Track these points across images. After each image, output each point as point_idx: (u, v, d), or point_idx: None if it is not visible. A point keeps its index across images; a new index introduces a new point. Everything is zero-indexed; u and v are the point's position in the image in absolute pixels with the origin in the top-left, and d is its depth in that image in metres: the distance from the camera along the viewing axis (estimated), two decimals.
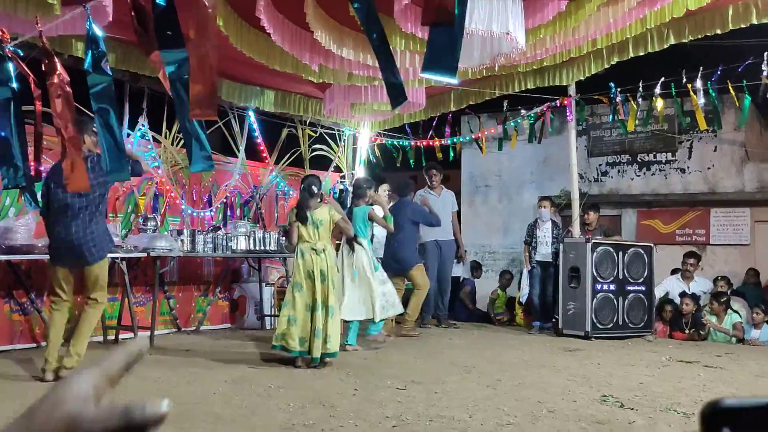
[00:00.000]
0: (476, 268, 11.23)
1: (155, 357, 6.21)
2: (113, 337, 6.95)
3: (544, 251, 8.85)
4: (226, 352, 6.55)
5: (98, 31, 3.97)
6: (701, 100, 8.06)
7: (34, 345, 6.48)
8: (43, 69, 4.22)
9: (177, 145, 7.93)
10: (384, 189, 10.29)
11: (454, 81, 5.45)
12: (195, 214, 8.18)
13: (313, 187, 6.01)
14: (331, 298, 5.78)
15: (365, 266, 6.65)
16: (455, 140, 10.40)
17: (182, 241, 7.24)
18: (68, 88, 4.16)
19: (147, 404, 0.60)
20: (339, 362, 5.99)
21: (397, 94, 4.48)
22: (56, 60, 4.19)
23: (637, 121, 9.11)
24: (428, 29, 4.42)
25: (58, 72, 4.14)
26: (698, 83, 8.00)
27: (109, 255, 6.46)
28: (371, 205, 7.03)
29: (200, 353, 6.45)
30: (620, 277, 8.24)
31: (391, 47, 6.53)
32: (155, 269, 6.86)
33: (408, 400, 4.62)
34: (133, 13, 4.03)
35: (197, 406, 4.37)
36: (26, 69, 4.72)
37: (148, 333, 6.73)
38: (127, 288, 6.64)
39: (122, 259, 6.54)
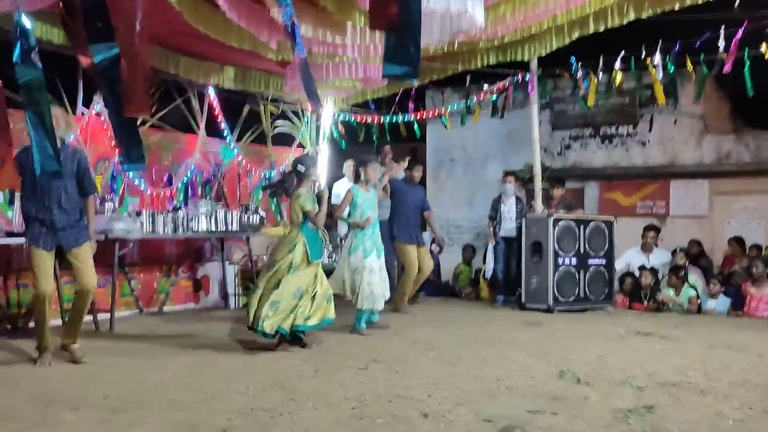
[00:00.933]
0: None
1: (115, 342, 6.15)
2: None
3: (508, 226, 8.91)
4: (189, 335, 6.51)
5: (27, 23, 3.83)
6: (660, 75, 8.12)
7: None
8: None
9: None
10: (351, 165, 10.26)
11: (415, 82, 5.46)
12: (154, 194, 8.06)
13: (298, 166, 5.92)
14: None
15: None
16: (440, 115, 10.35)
17: (141, 222, 7.14)
18: None
19: None
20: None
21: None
22: None
23: (598, 95, 9.16)
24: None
25: None
26: (657, 58, 8.05)
27: None
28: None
29: (162, 336, 6.41)
30: (581, 251, 8.35)
31: (351, 23, 6.50)
32: (114, 251, 6.76)
33: (369, 380, 4.65)
34: (61, 4, 3.89)
35: (156, 393, 4.34)
36: None
37: (108, 315, 6.65)
38: None
39: None
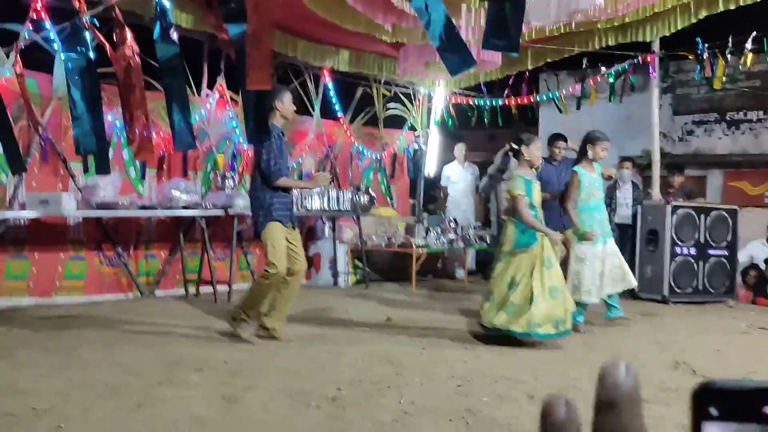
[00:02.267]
0: None
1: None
2: (194, 291, 7.26)
3: (623, 213, 8.64)
4: (299, 308, 6.74)
5: (166, 2, 4.07)
6: None
7: (122, 295, 6.86)
8: (114, 40, 4.37)
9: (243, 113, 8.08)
10: (461, 148, 10.25)
11: (515, 54, 5.31)
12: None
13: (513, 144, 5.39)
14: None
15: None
16: (542, 97, 10.15)
17: None
18: (137, 59, 4.30)
19: None
20: (406, 321, 6.10)
21: (456, 61, 4.43)
22: (126, 31, 4.34)
23: (725, 78, 8.67)
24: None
25: (128, 43, 4.28)
26: None
27: (189, 212, 6.79)
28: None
29: None
30: (701, 240, 7.97)
31: (466, 5, 6.47)
32: (233, 226, 7.09)
33: (474, 361, 4.67)
34: None
35: (270, 360, 4.56)
36: (103, 39, 4.89)
37: (227, 287, 6.99)
38: (207, 243, 6.90)
39: (202, 216, 6.79)
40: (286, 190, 5.17)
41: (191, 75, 7.36)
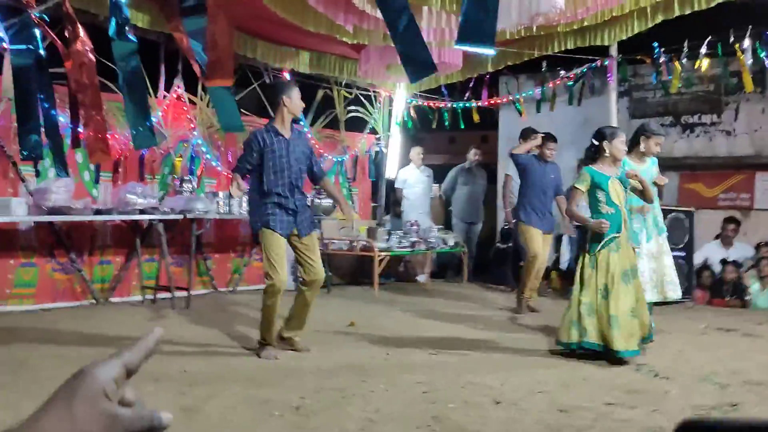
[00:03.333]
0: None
1: (192, 316, 6.33)
2: (152, 297, 7.08)
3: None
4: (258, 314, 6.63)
5: None
6: (749, 61, 7.75)
7: (76, 303, 6.64)
8: (66, 36, 4.21)
9: (213, 107, 7.93)
10: (418, 152, 10.23)
11: (491, 52, 5.29)
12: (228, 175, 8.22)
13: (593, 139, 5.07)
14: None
15: None
16: (518, 96, 10.21)
17: (218, 203, 7.30)
18: (91, 56, 4.15)
19: (162, 416, 0.69)
20: (369, 325, 6.03)
21: (417, 68, 4.39)
22: (79, 27, 4.18)
23: (680, 83, 8.82)
24: None
25: (80, 39, 4.13)
26: (746, 42, 7.69)
27: (146, 216, 6.61)
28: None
29: (237, 314, 6.55)
30: None
31: (427, 7, 6.44)
32: (192, 231, 6.94)
33: (439, 365, 4.63)
34: None
35: (231, 368, 4.45)
36: (53, 34, 4.70)
37: (185, 293, 6.83)
38: (164, 249, 6.74)
39: (159, 220, 6.62)
40: (292, 192, 4.80)
41: (148, 76, 7.18)
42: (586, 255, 4.93)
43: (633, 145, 5.57)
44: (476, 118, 10.36)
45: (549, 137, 7.28)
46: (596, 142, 5.11)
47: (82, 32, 4.23)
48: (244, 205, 7.53)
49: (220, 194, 7.44)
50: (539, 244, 7.11)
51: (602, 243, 4.87)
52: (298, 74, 8.80)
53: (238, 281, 8.23)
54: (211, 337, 5.44)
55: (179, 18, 3.92)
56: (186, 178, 7.30)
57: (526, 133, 7.75)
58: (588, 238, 4.97)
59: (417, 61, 4.53)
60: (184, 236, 7.27)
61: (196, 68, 5.12)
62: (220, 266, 8.13)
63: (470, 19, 4.17)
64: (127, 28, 3.98)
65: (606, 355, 4.73)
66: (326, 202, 8.30)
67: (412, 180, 10.15)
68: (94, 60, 4.26)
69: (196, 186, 7.46)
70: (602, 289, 4.80)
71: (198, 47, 3.97)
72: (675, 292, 5.58)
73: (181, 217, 6.74)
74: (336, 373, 4.38)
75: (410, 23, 4.46)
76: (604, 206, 4.96)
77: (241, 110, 8.44)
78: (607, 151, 5.02)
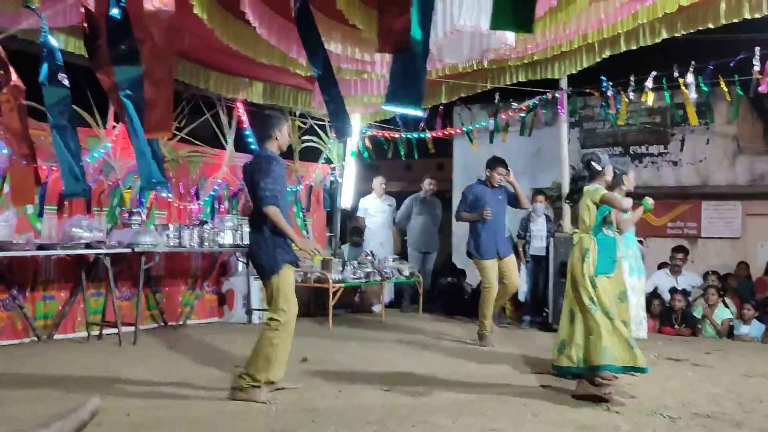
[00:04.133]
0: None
1: (139, 353, 6.16)
2: (97, 333, 6.88)
3: (537, 245, 8.82)
4: (212, 349, 6.50)
5: (54, 42, 3.85)
6: (693, 95, 7.98)
7: (17, 341, 6.41)
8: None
9: (163, 138, 7.81)
10: (380, 182, 10.23)
11: (419, 113, 5.38)
12: (182, 207, 8.10)
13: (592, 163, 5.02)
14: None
15: None
16: (467, 128, 10.32)
17: (168, 235, 7.16)
18: (22, 101, 4.04)
19: (87, 405, 0.60)
20: (322, 360, 5.94)
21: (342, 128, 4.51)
22: (11, 70, 4.07)
23: (628, 115, 9.03)
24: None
25: (12, 83, 4.02)
26: (689, 77, 7.91)
27: (92, 251, 6.43)
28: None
29: (185, 350, 6.39)
30: None
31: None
32: (140, 264, 6.77)
33: (392, 403, 4.57)
34: (85, 25, 3.89)
35: (177, 410, 4.31)
36: None
37: (133, 328, 6.65)
38: (111, 283, 6.55)
39: (106, 254, 6.45)
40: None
41: (95, 106, 7.05)
42: (592, 277, 4.80)
43: (616, 185, 5.86)
44: (431, 149, 10.43)
45: (499, 162, 7.33)
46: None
47: (14, 76, 4.12)
48: (196, 237, 7.42)
49: (171, 226, 7.30)
50: (495, 275, 7.11)
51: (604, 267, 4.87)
52: (252, 104, 8.76)
53: (189, 314, 8.06)
54: (158, 375, 5.27)
55: (109, 65, 3.82)
56: (135, 210, 7.14)
57: (492, 163, 7.66)
58: (591, 260, 4.83)
59: (343, 122, 4.66)
60: (133, 269, 7.10)
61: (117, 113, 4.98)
62: (171, 300, 7.95)
63: (398, 80, 4.22)
64: (60, 75, 3.87)
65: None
66: None
67: (373, 209, 10.14)
68: (25, 105, 4.13)
69: (145, 218, 7.31)
70: (609, 310, 4.76)
71: (127, 97, 3.88)
72: (644, 332, 5.90)
73: (129, 251, 6.58)
74: (286, 413, 4.28)
75: (335, 86, 4.59)
76: (607, 228, 4.98)
77: (194, 141, 8.37)
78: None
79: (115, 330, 6.59)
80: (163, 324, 7.75)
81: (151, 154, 4.31)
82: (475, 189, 7.40)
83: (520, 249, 8.91)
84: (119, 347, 6.39)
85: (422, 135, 10.34)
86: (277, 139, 4.76)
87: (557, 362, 4.92)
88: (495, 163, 7.32)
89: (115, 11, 3.69)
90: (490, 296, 7.06)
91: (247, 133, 8.95)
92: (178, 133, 7.95)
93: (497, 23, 3.93)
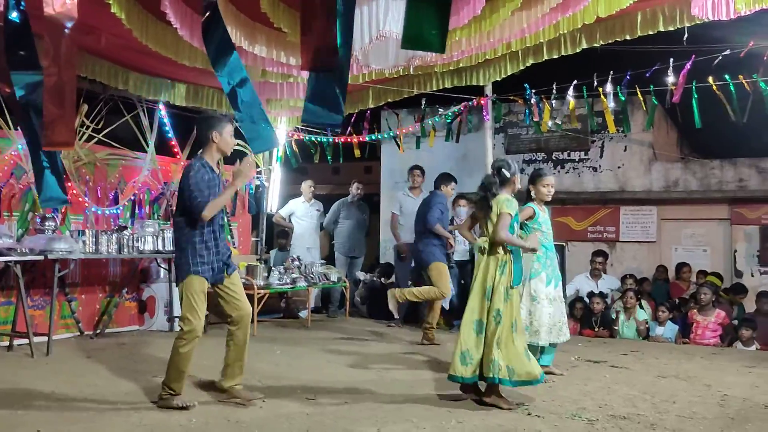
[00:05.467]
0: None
1: (52, 366, 5.89)
2: (7, 344, 6.55)
3: (461, 250, 8.91)
4: (131, 359, 6.28)
5: None
6: (611, 104, 8.24)
7: None
8: None
9: (80, 140, 7.53)
10: (309, 185, 10.15)
11: (338, 131, 5.37)
12: (99, 212, 7.81)
13: (503, 170, 5.02)
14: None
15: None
16: (375, 137, 10.37)
17: (84, 241, 6.89)
18: None
19: None
20: (250, 369, 5.82)
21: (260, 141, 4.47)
22: None
23: (550, 122, 9.26)
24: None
25: None
26: (608, 86, 8.18)
27: (1, 258, 6.12)
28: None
29: (102, 360, 6.16)
30: None
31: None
32: (54, 272, 6.49)
33: (317, 413, 4.52)
34: None
35: (92, 425, 4.14)
36: None
37: (46, 338, 6.36)
38: (22, 292, 6.25)
39: (16, 262, 6.15)
40: (215, 237, 4.57)
41: (5, 105, 6.71)
42: (508, 289, 4.81)
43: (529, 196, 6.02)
44: (357, 153, 10.44)
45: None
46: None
47: None
48: (114, 243, 7.17)
49: (87, 232, 7.03)
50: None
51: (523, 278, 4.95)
52: (174, 107, 8.54)
53: (108, 323, 7.77)
54: (72, 388, 5.05)
55: (6, 70, 3.62)
56: (49, 215, 6.84)
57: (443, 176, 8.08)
58: (511, 272, 4.84)
59: (261, 135, 4.61)
60: (47, 277, 6.80)
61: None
62: (87, 308, 7.65)
63: (318, 97, 4.21)
64: None
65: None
66: None
67: (300, 213, 10.05)
68: None
69: (59, 223, 7.01)
70: (514, 323, 4.77)
71: (27, 105, 3.69)
72: (566, 335, 5.90)
73: (41, 258, 6.30)
74: (207, 426, 4.17)
75: (253, 98, 4.53)
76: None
77: (114, 144, 8.09)
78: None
79: (27, 341, 6.28)
80: (79, 333, 7.45)
81: (50, 169, 4.09)
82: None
83: (449, 250, 9.00)
84: (31, 359, 6.10)
85: (328, 139, 10.31)
86: (215, 141, 4.58)
87: (460, 373, 4.79)
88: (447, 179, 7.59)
89: (14, 14, 3.49)
90: (439, 303, 7.46)
91: (170, 136, 8.73)
92: (95, 135, 7.69)
93: (409, 43, 3.96)
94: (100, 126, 7.75)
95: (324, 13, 3.98)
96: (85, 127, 7.61)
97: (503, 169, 5.02)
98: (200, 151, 4.70)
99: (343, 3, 4.07)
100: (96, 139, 7.72)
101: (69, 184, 7.30)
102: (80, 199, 7.54)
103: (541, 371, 4.79)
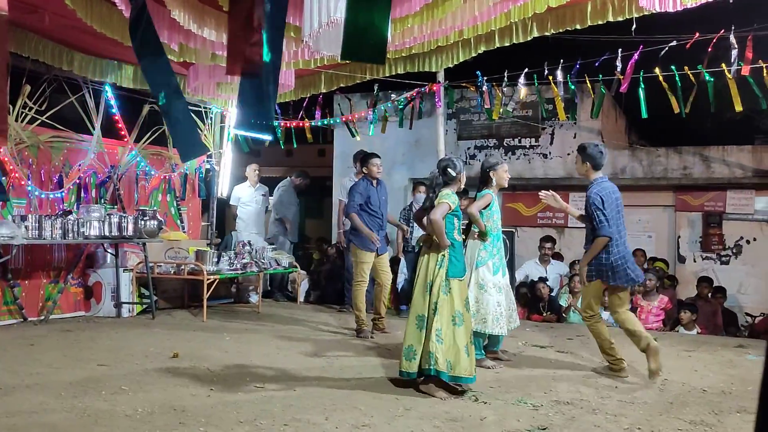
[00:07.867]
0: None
1: None
2: None
3: (418, 235, 8.93)
4: (76, 346, 6.17)
5: None
6: (561, 91, 8.35)
7: None
8: None
9: (22, 122, 7.32)
10: (254, 169, 10.05)
11: (268, 138, 5.34)
12: (43, 196, 7.61)
13: (448, 169, 5.08)
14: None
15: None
16: (325, 122, 10.32)
17: (27, 227, 6.72)
18: None
19: None
20: (193, 356, 5.78)
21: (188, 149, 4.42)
22: None
23: (502, 109, 9.34)
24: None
25: None
26: (559, 75, 8.28)
27: None
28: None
29: (46, 348, 6.03)
30: None
31: None
32: None
33: (264, 401, 4.51)
34: None
35: (34, 415, 4.06)
36: None
37: None
38: None
39: None
40: None
41: None
42: (446, 280, 4.84)
43: (485, 182, 6.12)
44: (309, 137, 10.37)
45: (372, 156, 7.44)
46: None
47: None
48: (58, 228, 7.01)
49: (30, 217, 6.85)
50: (368, 270, 7.18)
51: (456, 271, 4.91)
52: (122, 88, 8.34)
53: (52, 309, 7.60)
54: (13, 377, 4.94)
55: None
56: None
57: (361, 157, 7.80)
58: (447, 264, 4.87)
59: (188, 142, 4.56)
60: None
61: None
62: (31, 294, 7.47)
63: (248, 103, 4.16)
64: None
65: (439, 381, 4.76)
66: (151, 223, 7.91)
67: (246, 198, 9.94)
68: None
69: (1, 208, 6.81)
70: (456, 316, 4.80)
71: None
72: (516, 321, 6.06)
73: None
74: (153, 415, 4.12)
75: (182, 106, 4.47)
76: (456, 233, 5.05)
77: (58, 126, 7.87)
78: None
79: None
80: (22, 320, 7.28)
81: None
82: (361, 186, 7.37)
83: (400, 240, 9.04)
84: None
85: (278, 122, 10.22)
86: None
87: (406, 369, 4.82)
88: (369, 157, 7.41)
89: None
90: (361, 290, 7.15)
91: (116, 118, 8.54)
92: (38, 117, 7.47)
93: (348, 54, 3.95)
94: (43, 108, 7.53)
95: (251, 18, 3.92)
96: (27, 109, 7.39)
97: (449, 169, 5.11)
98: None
99: (273, 7, 4.03)
100: (39, 121, 7.50)
101: (11, 167, 7.11)
102: (23, 182, 7.33)
103: (474, 373, 4.79)
